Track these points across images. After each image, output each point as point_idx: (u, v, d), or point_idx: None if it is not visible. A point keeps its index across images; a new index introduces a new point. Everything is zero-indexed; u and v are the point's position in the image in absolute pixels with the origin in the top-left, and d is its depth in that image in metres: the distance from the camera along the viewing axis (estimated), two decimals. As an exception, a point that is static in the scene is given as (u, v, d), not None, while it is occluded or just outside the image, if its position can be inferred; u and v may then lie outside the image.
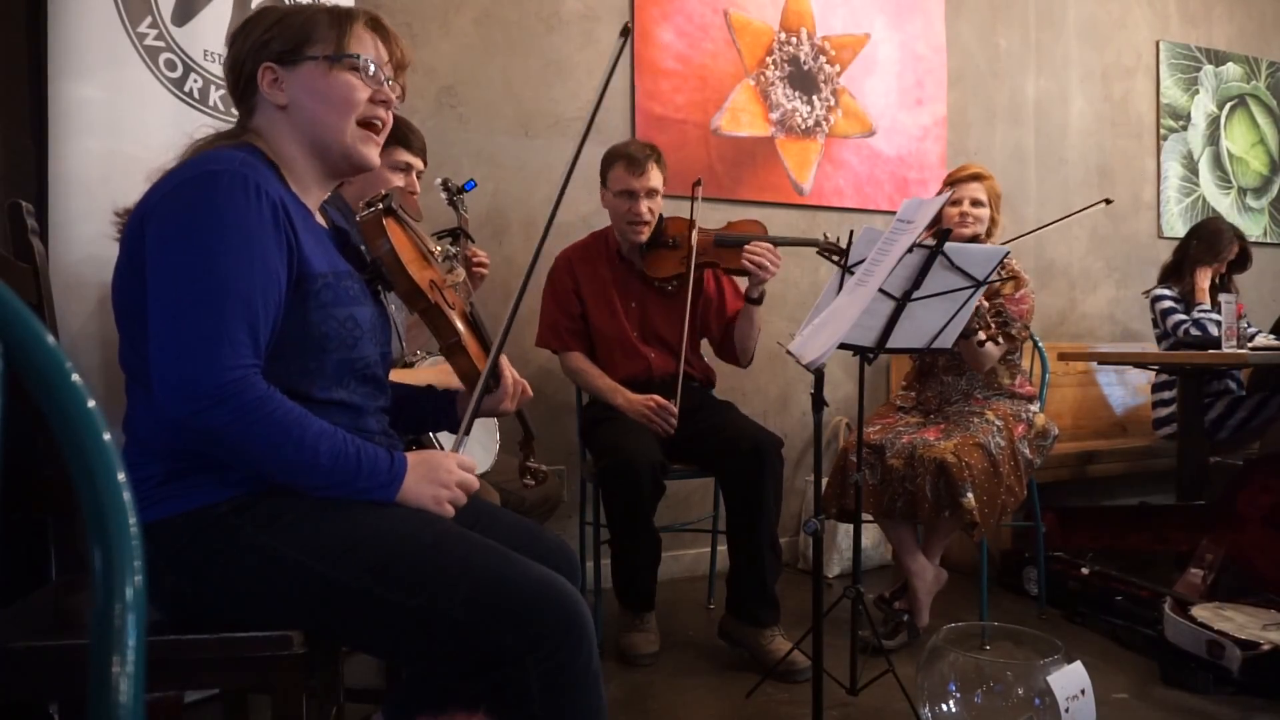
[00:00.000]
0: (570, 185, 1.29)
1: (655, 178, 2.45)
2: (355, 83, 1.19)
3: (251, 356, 1.05)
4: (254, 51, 1.17)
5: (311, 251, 1.14)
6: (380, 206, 1.25)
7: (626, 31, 1.27)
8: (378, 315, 1.26)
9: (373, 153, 1.23)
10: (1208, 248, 3.33)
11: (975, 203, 2.48)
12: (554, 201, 1.29)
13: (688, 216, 2.51)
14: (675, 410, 2.37)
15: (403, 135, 1.91)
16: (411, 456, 1.18)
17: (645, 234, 2.47)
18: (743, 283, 2.58)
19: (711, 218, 2.70)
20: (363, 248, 1.31)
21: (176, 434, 1.09)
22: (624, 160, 2.43)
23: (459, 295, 1.40)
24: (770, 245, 2.37)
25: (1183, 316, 3.23)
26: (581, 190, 3.04)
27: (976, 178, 2.52)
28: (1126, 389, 3.83)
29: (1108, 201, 2.80)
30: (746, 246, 2.37)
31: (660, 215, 2.51)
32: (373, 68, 1.20)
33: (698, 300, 2.54)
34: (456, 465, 1.20)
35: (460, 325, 1.34)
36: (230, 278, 1.04)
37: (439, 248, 1.41)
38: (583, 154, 1.29)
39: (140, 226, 1.08)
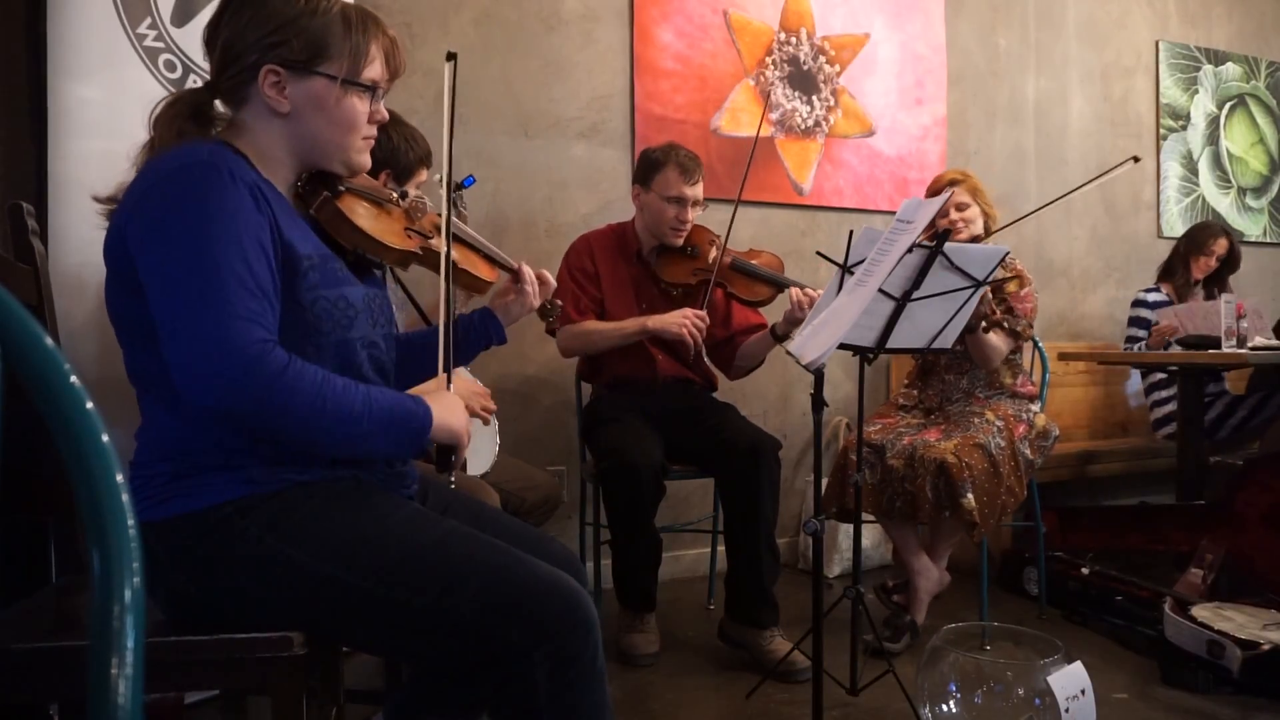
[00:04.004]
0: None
1: (702, 188, 2.46)
2: (362, 108, 1.19)
3: (263, 330, 1.03)
4: (259, 48, 1.13)
5: (292, 234, 1.12)
6: (327, 194, 1.22)
7: (452, 57, 1.29)
8: (372, 295, 1.24)
9: (368, 160, 1.25)
10: (1192, 241, 3.44)
11: (960, 206, 2.47)
12: (444, 191, 1.29)
13: (710, 229, 2.51)
14: (705, 314, 2.35)
15: (429, 156, 1.95)
16: (426, 397, 1.17)
17: (683, 239, 2.48)
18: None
19: (711, 218, 2.70)
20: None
21: (187, 434, 1.09)
22: (677, 167, 2.41)
23: (426, 212, 1.39)
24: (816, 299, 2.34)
25: (1141, 336, 3.34)
26: (581, 190, 3.04)
27: (952, 183, 2.51)
28: (1126, 389, 3.83)
29: (1136, 159, 2.76)
30: (797, 288, 2.34)
31: None
32: (379, 91, 1.21)
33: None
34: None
35: (452, 250, 1.34)
36: (224, 257, 1.02)
37: (390, 191, 1.37)
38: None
39: (120, 236, 1.06)
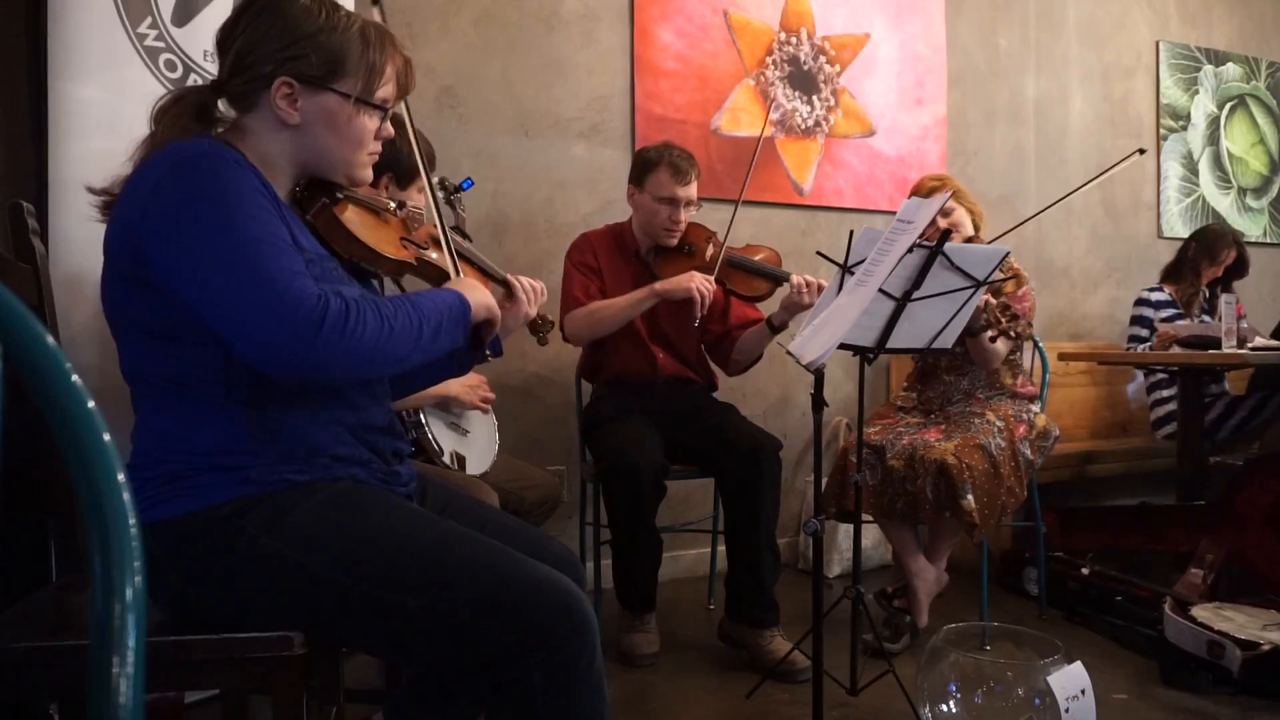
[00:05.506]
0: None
1: (696, 188, 2.44)
2: (371, 126, 1.20)
3: (313, 282, 1.04)
4: (276, 59, 1.12)
5: (293, 230, 1.13)
6: (325, 201, 1.22)
7: (377, 1, 1.35)
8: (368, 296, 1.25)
9: (370, 173, 1.26)
10: (1205, 249, 3.39)
11: (944, 212, 2.43)
12: (429, 194, 1.31)
13: (707, 227, 2.51)
14: (712, 279, 2.36)
15: (432, 159, 1.94)
16: (449, 285, 1.25)
17: (676, 239, 2.47)
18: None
19: (712, 218, 2.70)
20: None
21: (184, 434, 1.08)
22: (669, 168, 2.39)
23: (422, 224, 1.40)
24: (818, 285, 2.35)
25: (1144, 335, 3.30)
26: (581, 190, 3.04)
27: (932, 191, 2.49)
28: (1127, 389, 3.83)
29: (1141, 152, 2.77)
30: (797, 277, 2.35)
31: None
32: (388, 110, 1.22)
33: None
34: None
35: (446, 261, 1.35)
36: (256, 228, 1.03)
37: (388, 201, 1.37)
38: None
39: (126, 230, 1.06)
